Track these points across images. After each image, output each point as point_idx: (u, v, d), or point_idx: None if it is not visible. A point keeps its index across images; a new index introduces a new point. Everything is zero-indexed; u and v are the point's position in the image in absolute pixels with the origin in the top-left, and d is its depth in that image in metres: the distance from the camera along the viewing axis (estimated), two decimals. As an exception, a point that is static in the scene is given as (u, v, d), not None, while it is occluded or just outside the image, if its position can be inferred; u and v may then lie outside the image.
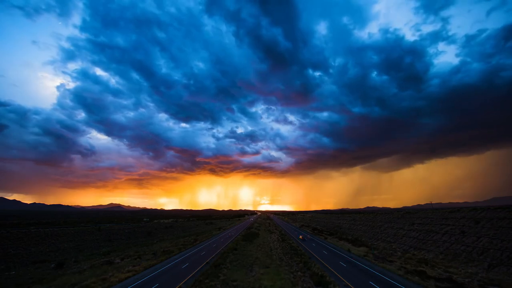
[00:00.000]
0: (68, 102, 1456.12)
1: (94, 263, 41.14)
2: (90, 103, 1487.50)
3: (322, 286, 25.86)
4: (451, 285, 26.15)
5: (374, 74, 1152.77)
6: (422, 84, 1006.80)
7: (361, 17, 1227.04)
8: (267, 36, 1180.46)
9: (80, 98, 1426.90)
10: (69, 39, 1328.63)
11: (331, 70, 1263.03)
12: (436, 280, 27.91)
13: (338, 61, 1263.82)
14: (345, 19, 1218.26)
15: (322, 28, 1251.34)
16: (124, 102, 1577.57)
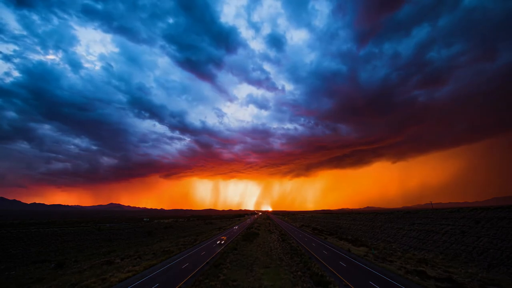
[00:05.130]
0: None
1: (94, 263, 41.13)
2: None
3: (322, 286, 25.84)
4: (451, 285, 26.14)
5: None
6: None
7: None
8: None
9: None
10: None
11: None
12: (436, 280, 27.89)
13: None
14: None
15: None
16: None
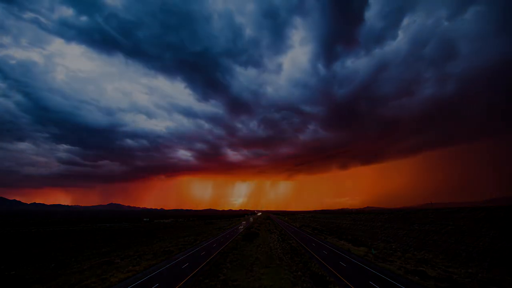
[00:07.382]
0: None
1: (94, 263, 41.08)
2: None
3: (322, 286, 25.85)
4: (451, 285, 26.13)
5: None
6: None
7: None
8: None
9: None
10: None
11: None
12: (436, 280, 27.88)
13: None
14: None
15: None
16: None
